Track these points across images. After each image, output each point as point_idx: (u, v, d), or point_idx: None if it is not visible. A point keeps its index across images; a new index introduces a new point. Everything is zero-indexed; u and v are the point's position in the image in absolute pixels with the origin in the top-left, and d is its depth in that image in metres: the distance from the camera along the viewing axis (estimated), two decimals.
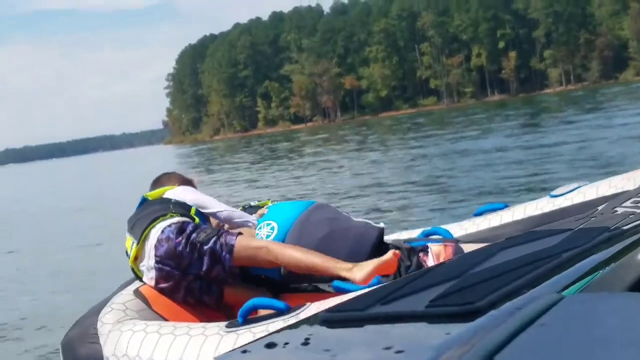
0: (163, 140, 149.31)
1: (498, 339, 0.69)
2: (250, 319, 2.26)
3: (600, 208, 1.74)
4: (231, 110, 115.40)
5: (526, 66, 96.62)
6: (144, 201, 2.92)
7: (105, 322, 2.50)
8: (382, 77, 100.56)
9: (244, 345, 0.93)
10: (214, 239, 2.52)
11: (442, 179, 11.86)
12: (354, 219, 2.87)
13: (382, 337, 0.88)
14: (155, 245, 2.56)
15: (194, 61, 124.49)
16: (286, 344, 0.91)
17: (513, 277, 1.02)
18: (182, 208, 2.76)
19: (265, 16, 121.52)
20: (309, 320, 1.10)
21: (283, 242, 2.65)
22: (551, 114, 30.05)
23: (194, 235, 2.54)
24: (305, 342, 0.90)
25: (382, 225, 2.84)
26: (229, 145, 59.08)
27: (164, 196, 2.87)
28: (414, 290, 1.06)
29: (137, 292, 2.66)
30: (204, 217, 2.87)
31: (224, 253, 2.51)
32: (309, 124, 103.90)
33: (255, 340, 0.94)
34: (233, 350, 0.89)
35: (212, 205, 2.88)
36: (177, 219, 2.63)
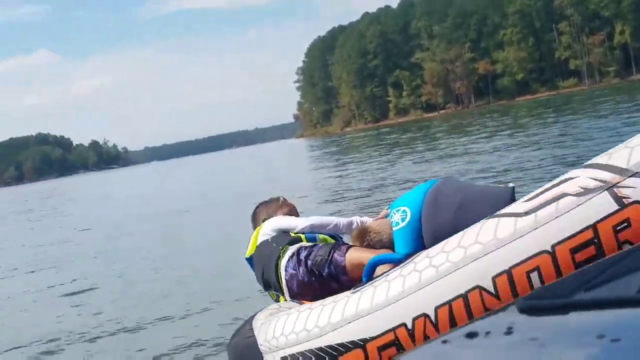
0: (295, 133, 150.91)
1: None
2: (372, 277, 2.47)
3: None
4: (362, 100, 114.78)
5: None
6: (250, 260, 3.15)
7: (259, 318, 2.76)
8: (518, 59, 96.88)
9: (443, 335, 0.88)
10: (327, 264, 2.76)
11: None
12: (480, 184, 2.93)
13: (593, 325, 0.83)
14: (287, 286, 2.86)
15: (324, 54, 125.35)
16: (488, 333, 0.86)
17: None
18: (284, 238, 2.97)
19: (394, 4, 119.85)
20: (506, 308, 1.01)
21: (419, 221, 2.66)
22: None
23: (310, 262, 2.79)
24: (508, 332, 0.85)
25: (511, 184, 2.80)
26: (363, 137, 57.47)
27: (258, 244, 3.06)
28: (619, 274, 0.98)
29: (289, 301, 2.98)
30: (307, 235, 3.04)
31: (340, 276, 2.75)
32: (442, 111, 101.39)
33: (454, 330, 0.88)
34: (433, 340, 0.79)
35: (296, 225, 3.01)
36: (289, 251, 2.87)
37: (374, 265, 2.65)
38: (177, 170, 62.94)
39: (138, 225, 13.90)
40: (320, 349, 2.48)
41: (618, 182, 2.04)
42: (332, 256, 2.82)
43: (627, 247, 1.99)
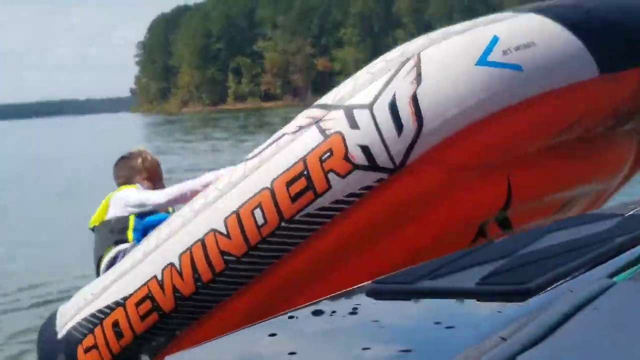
0: (129, 108, 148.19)
1: (550, 321, 0.69)
2: None
3: None
4: (201, 83, 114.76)
5: None
6: (94, 229, 3.21)
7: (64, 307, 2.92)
8: (356, 60, 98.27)
9: (290, 311, 0.93)
10: None
11: None
12: None
13: (431, 312, 0.89)
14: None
15: (166, 31, 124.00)
16: (333, 312, 0.91)
17: (565, 259, 1.01)
18: (121, 229, 3.06)
19: None
20: (355, 291, 1.07)
21: None
22: None
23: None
24: (353, 312, 0.90)
25: None
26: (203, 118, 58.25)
27: (105, 219, 3.13)
28: (464, 266, 1.06)
29: None
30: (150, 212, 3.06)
31: None
32: (279, 102, 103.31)
33: (300, 308, 0.94)
34: (280, 314, 0.88)
35: (146, 201, 3.04)
36: (112, 252, 3.02)
37: (146, 225, 2.83)
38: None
39: None
40: (92, 314, 2.58)
41: (323, 117, 2.21)
42: None
43: (331, 176, 2.13)
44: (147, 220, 3.04)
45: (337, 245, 2.27)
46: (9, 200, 13.09)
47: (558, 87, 2.20)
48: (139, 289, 2.48)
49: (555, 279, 0.90)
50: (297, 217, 2.22)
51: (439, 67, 2.20)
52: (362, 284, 1.07)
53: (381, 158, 2.16)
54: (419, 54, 2.21)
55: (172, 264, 2.39)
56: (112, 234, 3.18)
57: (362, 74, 2.33)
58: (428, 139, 2.14)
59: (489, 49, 2.19)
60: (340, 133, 2.19)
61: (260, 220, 2.24)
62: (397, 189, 2.20)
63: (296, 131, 2.30)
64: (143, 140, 28.42)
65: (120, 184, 3.37)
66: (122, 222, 3.17)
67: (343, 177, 2.18)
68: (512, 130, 2.24)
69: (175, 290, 2.40)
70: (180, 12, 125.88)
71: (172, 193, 3.14)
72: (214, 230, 2.31)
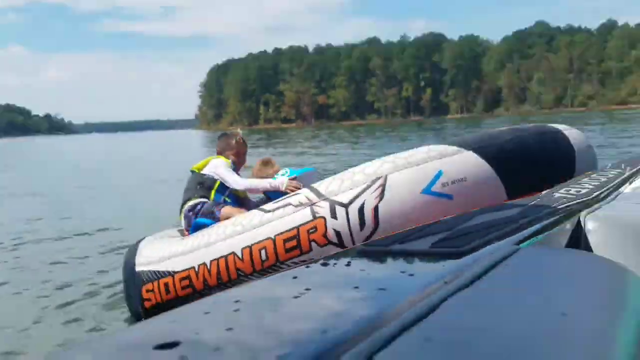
0: (194, 127, 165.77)
1: (474, 273, 0.92)
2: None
3: (544, 192, 2.30)
4: (242, 110, 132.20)
5: (436, 99, 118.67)
6: (192, 172, 3.76)
7: (145, 240, 3.71)
8: (344, 98, 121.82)
9: (307, 262, 1.18)
10: (209, 214, 3.50)
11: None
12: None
13: (400, 266, 1.17)
14: (183, 218, 3.65)
15: (219, 76, 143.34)
16: (335, 264, 1.13)
17: (487, 233, 1.37)
18: (209, 186, 3.63)
19: (270, 49, 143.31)
20: (352, 251, 1.45)
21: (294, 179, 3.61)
22: (448, 131, 34.92)
23: (199, 212, 3.54)
24: (348, 264, 1.15)
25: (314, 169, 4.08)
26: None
27: (203, 171, 3.70)
28: (424, 235, 1.42)
29: (180, 232, 3.84)
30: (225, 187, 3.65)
31: (215, 223, 3.44)
32: (293, 124, 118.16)
33: (313, 262, 1.14)
34: (286, 272, 1.05)
35: (230, 180, 3.62)
36: (195, 201, 3.58)
37: (198, 225, 3.41)
38: (109, 141, 68.74)
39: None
40: (156, 271, 3.21)
41: (316, 202, 2.77)
42: (213, 210, 3.52)
43: (313, 244, 2.75)
44: (198, 221, 3.45)
45: None
46: (122, 180, 13.83)
47: (474, 208, 2.55)
48: (184, 270, 3.08)
49: (481, 244, 1.22)
50: (287, 262, 2.78)
51: (396, 190, 2.69)
52: (355, 246, 1.47)
53: (347, 241, 2.67)
54: (386, 176, 2.73)
55: (205, 264, 2.98)
56: (201, 187, 3.64)
57: (348, 177, 2.84)
58: (380, 234, 2.61)
59: (432, 182, 2.70)
60: (324, 218, 2.71)
61: (263, 257, 2.81)
62: None
63: (298, 205, 2.81)
64: (202, 147, 32.90)
65: (218, 153, 3.88)
66: (210, 181, 3.65)
67: (320, 246, 2.72)
68: None
69: (204, 280, 3.00)
70: (228, 64, 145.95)
71: (245, 184, 3.65)
72: (234, 254, 2.89)
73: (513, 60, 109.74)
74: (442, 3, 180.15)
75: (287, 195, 3.00)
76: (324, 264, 1.10)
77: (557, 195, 2.17)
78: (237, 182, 3.63)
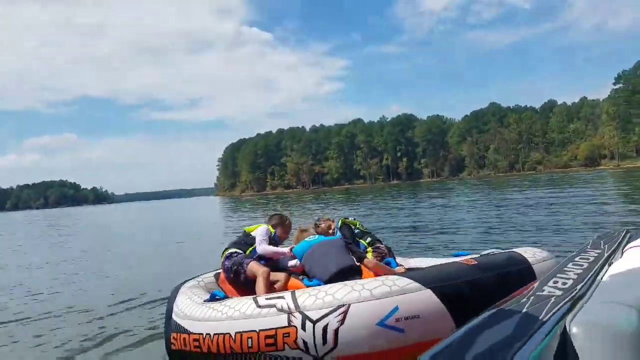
0: (214, 193, 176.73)
1: None
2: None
3: (535, 286, 2.13)
4: (252, 179, 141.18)
5: (411, 166, 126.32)
6: (244, 232, 4.14)
7: (183, 286, 3.95)
8: (335, 167, 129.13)
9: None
10: (238, 266, 3.87)
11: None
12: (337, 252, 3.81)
13: None
14: (222, 263, 4.00)
15: (233, 152, 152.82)
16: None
17: (492, 355, 1.45)
18: (250, 244, 4.01)
19: (274, 130, 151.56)
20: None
21: (303, 251, 3.88)
22: (425, 193, 34.47)
23: (232, 262, 3.89)
24: None
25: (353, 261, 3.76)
26: (255, 200, 62.67)
27: (252, 233, 4.09)
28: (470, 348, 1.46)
29: (216, 275, 4.24)
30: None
31: (241, 274, 3.85)
32: (295, 190, 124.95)
33: None
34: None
35: (257, 242, 4.03)
36: (231, 250, 3.96)
37: (214, 295, 3.53)
38: (145, 208, 69.03)
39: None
40: (179, 325, 3.50)
41: (292, 312, 2.92)
42: (242, 262, 3.83)
43: (286, 346, 2.88)
44: (214, 294, 3.59)
45: None
46: (159, 237, 15.24)
47: (424, 341, 2.67)
48: (196, 333, 3.33)
49: None
50: (266, 353, 2.98)
51: (356, 318, 2.77)
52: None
53: (312, 351, 2.83)
54: (349, 305, 2.80)
55: (209, 335, 3.23)
56: (244, 243, 4.02)
57: (321, 296, 2.93)
58: (338, 352, 2.79)
59: (388, 316, 2.75)
60: (296, 327, 2.86)
61: (249, 344, 3.02)
62: None
63: (280, 310, 2.96)
64: (221, 210, 35.56)
65: (267, 222, 4.23)
66: (251, 240, 4.04)
67: (292, 349, 2.88)
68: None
69: (209, 347, 3.26)
70: (241, 142, 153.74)
71: (262, 250, 3.98)
72: (229, 334, 3.12)
73: (472, 134, 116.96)
74: (412, 91, 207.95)
75: (279, 296, 3.14)
76: None
77: (546, 292, 2.07)
78: (259, 245, 4.06)
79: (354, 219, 4.68)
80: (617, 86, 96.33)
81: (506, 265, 3.30)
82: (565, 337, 1.66)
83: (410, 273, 3.13)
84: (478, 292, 2.98)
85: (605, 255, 2.58)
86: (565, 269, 2.37)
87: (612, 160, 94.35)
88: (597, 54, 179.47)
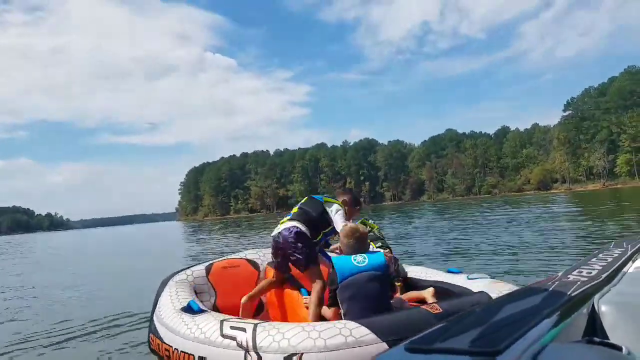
0: (175, 218, 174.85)
1: None
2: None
3: (559, 275, 2.10)
4: (215, 203, 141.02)
5: (374, 190, 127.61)
6: (321, 199, 3.85)
7: (172, 280, 4.22)
8: (300, 190, 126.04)
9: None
10: (300, 255, 3.70)
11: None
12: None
13: None
14: (278, 233, 3.83)
15: (196, 175, 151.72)
16: None
17: (517, 326, 1.38)
18: (322, 222, 3.75)
19: (238, 154, 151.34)
20: (396, 349, 1.37)
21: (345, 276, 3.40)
22: (391, 216, 35.15)
23: (302, 248, 3.70)
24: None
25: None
26: (218, 224, 62.15)
27: (327, 207, 3.79)
28: (462, 330, 1.41)
29: (207, 267, 4.53)
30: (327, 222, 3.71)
31: (295, 262, 3.72)
32: (259, 214, 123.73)
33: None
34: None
35: (335, 221, 3.74)
36: (296, 223, 3.70)
37: (190, 305, 3.62)
38: (98, 234, 67.01)
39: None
40: (158, 332, 3.56)
41: (249, 350, 2.95)
42: (313, 255, 3.73)
43: None
44: (190, 304, 3.64)
45: None
46: (125, 261, 15.39)
47: None
48: (167, 344, 3.49)
49: (512, 342, 1.26)
50: None
51: None
52: (402, 343, 1.35)
53: None
54: (302, 354, 2.78)
55: (177, 350, 3.38)
56: (320, 221, 3.83)
57: (277, 339, 2.93)
58: None
59: None
60: None
61: None
62: None
63: (239, 346, 3.01)
64: (183, 236, 34.56)
65: (343, 202, 3.95)
66: (323, 219, 3.80)
67: None
68: None
69: None
70: (204, 166, 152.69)
71: (338, 223, 3.75)
72: (194, 356, 3.28)
73: (431, 159, 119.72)
74: (372, 116, 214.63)
75: (242, 327, 3.12)
76: None
77: (571, 278, 2.10)
78: (337, 223, 3.74)
79: (373, 222, 4.73)
80: (566, 113, 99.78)
81: None
82: (594, 316, 1.68)
83: (369, 320, 2.98)
84: None
85: (629, 253, 2.56)
86: (589, 262, 2.38)
87: (563, 184, 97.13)
88: (547, 81, 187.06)
